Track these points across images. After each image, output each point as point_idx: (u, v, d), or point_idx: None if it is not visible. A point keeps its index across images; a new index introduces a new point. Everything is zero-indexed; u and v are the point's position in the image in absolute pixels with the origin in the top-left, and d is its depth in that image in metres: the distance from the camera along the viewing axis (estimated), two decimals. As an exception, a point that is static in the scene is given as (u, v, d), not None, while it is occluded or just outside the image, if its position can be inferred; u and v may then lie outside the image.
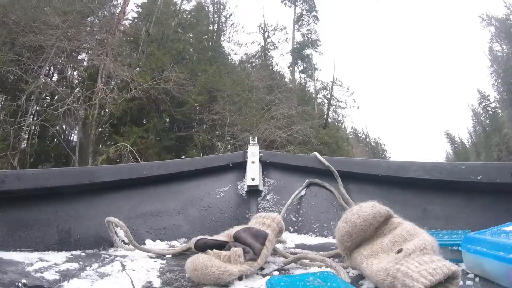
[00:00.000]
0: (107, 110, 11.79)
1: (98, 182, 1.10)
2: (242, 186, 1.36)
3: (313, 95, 20.98)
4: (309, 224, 1.21)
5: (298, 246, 1.01)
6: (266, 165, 1.40)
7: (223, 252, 0.70)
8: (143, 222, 1.15)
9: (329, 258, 0.74)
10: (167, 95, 11.99)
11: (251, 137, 1.47)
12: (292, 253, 0.85)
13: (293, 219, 1.25)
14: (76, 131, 11.27)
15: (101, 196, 1.12)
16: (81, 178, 1.09)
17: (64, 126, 10.70)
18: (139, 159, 9.90)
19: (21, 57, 9.89)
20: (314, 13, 21.97)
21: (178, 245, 1.07)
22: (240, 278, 0.67)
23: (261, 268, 0.75)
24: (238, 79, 15.18)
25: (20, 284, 0.58)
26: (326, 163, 1.23)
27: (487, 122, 26.84)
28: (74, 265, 0.77)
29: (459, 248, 0.67)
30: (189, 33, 16.32)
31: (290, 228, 1.22)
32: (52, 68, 11.69)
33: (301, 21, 21.95)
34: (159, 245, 1.06)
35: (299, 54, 21.58)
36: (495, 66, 24.38)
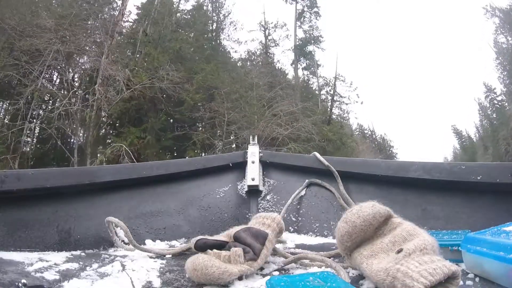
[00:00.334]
0: (104, 112, 11.78)
1: (98, 182, 1.10)
2: (242, 186, 1.36)
3: (317, 92, 20.82)
4: (309, 224, 1.21)
5: (298, 246, 1.01)
6: (266, 165, 1.40)
7: (223, 252, 0.70)
8: (143, 222, 1.15)
9: (329, 258, 0.74)
10: (164, 94, 11.97)
11: (251, 137, 1.47)
12: (292, 253, 0.85)
13: (293, 219, 1.25)
14: (74, 133, 11.27)
15: (101, 196, 1.12)
16: (81, 178, 1.09)
17: (63, 129, 10.69)
18: (134, 160, 9.88)
19: (19, 61, 9.90)
20: (315, 9, 21.81)
21: (178, 245, 1.07)
22: (240, 278, 0.67)
23: (261, 268, 0.75)
24: (237, 76, 15.11)
25: (20, 284, 0.58)
26: (326, 163, 1.23)
27: (494, 115, 26.26)
28: (74, 265, 0.77)
29: (459, 248, 0.67)
30: (187, 32, 16.29)
31: (290, 228, 1.22)
32: (50, 71, 11.67)
33: (302, 18, 21.76)
34: (159, 245, 1.06)
35: (301, 51, 21.36)
36: (500, 58, 23.86)
